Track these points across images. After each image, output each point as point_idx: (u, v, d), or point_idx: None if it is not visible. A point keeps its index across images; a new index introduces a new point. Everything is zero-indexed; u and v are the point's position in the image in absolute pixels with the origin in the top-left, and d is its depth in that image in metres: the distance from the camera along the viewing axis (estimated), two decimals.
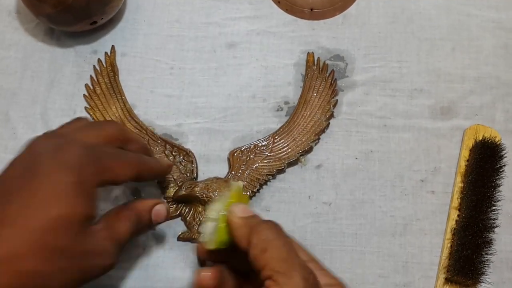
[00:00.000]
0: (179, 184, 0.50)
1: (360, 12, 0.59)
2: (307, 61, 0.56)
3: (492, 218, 0.47)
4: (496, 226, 0.47)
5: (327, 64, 0.56)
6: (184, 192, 0.49)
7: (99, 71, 0.56)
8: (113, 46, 0.57)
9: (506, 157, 0.49)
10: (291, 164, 0.52)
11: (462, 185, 0.50)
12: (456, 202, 0.50)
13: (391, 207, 0.51)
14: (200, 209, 0.50)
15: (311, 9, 0.59)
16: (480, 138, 0.50)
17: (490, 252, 0.46)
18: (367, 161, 0.52)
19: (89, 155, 0.37)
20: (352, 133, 0.54)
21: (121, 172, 0.39)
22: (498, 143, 0.50)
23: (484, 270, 0.46)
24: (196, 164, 0.52)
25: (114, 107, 0.54)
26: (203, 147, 0.53)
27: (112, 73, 0.56)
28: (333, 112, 0.54)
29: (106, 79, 0.55)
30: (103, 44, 0.58)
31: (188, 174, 0.51)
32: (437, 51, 0.57)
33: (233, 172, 0.51)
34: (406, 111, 0.54)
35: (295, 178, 0.52)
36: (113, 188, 0.51)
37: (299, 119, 0.53)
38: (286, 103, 0.55)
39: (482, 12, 0.58)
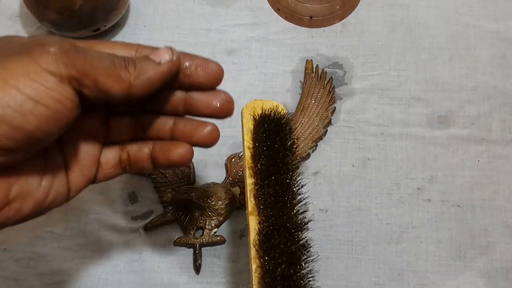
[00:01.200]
0: (176, 189, 0.51)
1: (359, 21, 0.59)
2: (306, 68, 0.56)
3: (300, 211, 0.36)
4: (309, 220, 0.36)
5: (326, 72, 0.56)
6: (181, 197, 0.49)
7: None
8: None
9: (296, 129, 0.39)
10: None
11: (252, 181, 0.37)
12: (251, 206, 0.36)
13: (387, 214, 0.51)
14: (197, 214, 0.50)
15: (311, 17, 0.59)
16: (259, 114, 0.39)
17: (308, 258, 0.35)
18: (364, 168, 0.53)
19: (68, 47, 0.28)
20: (350, 141, 0.54)
21: (107, 80, 0.29)
22: (282, 114, 0.38)
23: (308, 282, 0.35)
24: (194, 169, 0.52)
25: None
26: (201, 153, 0.53)
27: None
28: (331, 119, 0.54)
29: None
30: None
31: (185, 179, 0.52)
32: (435, 60, 0.57)
33: (230, 178, 0.51)
34: (404, 119, 0.54)
35: None
36: (110, 191, 0.51)
37: (297, 126, 0.54)
38: None
39: (480, 22, 0.59)
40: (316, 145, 0.53)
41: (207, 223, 0.50)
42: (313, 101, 0.55)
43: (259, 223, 0.35)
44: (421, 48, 0.58)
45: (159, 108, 0.36)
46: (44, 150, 0.32)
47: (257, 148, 0.37)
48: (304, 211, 0.36)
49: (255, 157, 0.37)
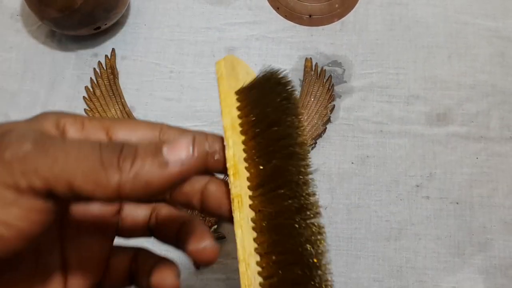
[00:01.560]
0: None
1: (358, 19, 0.59)
2: (305, 67, 0.57)
3: (311, 184, 0.28)
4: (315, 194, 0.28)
5: (325, 70, 0.56)
6: None
7: (99, 73, 0.57)
8: (113, 49, 0.58)
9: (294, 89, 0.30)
10: None
11: (245, 155, 0.28)
12: (237, 188, 0.27)
13: (386, 211, 0.51)
14: (195, 212, 0.50)
15: (310, 16, 0.59)
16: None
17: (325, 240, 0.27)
18: (363, 166, 0.53)
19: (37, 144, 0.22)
20: (349, 138, 0.54)
21: (83, 182, 0.22)
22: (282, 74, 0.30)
23: (327, 274, 0.26)
24: None
25: (113, 109, 0.55)
26: None
27: (112, 76, 0.56)
28: (330, 117, 0.54)
29: (106, 82, 0.56)
30: (103, 48, 0.58)
31: None
32: (434, 59, 0.57)
33: None
34: (403, 117, 0.55)
35: None
36: None
37: None
38: None
39: (479, 20, 0.59)
40: (316, 143, 0.54)
41: (207, 219, 0.50)
42: (312, 99, 0.55)
43: (253, 205, 0.27)
44: (420, 47, 0.58)
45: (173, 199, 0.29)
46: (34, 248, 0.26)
47: (250, 116, 0.29)
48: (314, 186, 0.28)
49: (246, 126, 0.29)
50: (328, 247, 0.50)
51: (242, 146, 0.28)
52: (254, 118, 0.28)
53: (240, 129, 0.29)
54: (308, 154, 0.28)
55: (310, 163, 0.28)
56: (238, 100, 0.30)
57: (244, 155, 0.28)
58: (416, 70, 0.57)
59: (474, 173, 0.52)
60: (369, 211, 0.51)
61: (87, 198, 0.22)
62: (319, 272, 0.25)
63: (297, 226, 0.26)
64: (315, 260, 0.25)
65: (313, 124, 0.54)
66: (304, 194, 0.27)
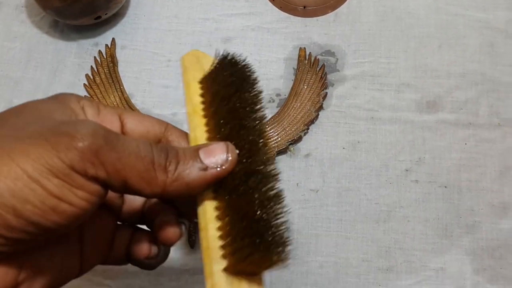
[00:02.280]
0: None
1: (351, 11, 0.61)
2: (299, 56, 0.58)
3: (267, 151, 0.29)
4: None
5: (318, 59, 0.58)
6: None
7: (100, 62, 0.59)
8: (113, 39, 0.60)
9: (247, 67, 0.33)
10: (280, 152, 0.54)
11: (207, 135, 0.30)
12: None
13: (376, 195, 0.52)
14: None
15: (304, 7, 0.61)
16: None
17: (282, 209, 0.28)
18: (354, 151, 0.54)
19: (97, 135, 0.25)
20: (341, 125, 0.55)
21: (136, 177, 0.25)
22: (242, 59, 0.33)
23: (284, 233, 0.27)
24: None
25: (112, 96, 0.57)
26: None
27: (111, 64, 0.58)
28: (322, 104, 0.56)
29: (106, 70, 0.58)
30: (104, 37, 0.60)
31: None
32: (425, 48, 0.59)
33: None
34: (393, 104, 0.56)
35: (284, 166, 0.54)
36: None
37: (290, 110, 0.55)
38: (278, 95, 0.57)
39: (469, 12, 0.60)
40: (308, 129, 0.55)
41: None
42: (306, 87, 0.57)
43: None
44: (411, 37, 0.59)
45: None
46: None
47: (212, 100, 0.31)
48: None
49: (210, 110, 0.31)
50: (319, 228, 0.51)
51: (205, 128, 0.30)
52: (210, 99, 0.31)
53: (202, 113, 0.31)
54: (261, 125, 0.30)
55: (262, 132, 0.30)
56: (201, 88, 0.32)
57: (206, 135, 0.30)
58: (407, 59, 0.58)
59: (462, 158, 0.54)
60: (359, 194, 0.52)
61: (135, 192, 0.26)
62: (272, 230, 0.26)
63: (249, 189, 0.27)
64: (264, 218, 0.26)
65: (306, 111, 0.55)
66: (257, 159, 0.28)
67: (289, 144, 0.54)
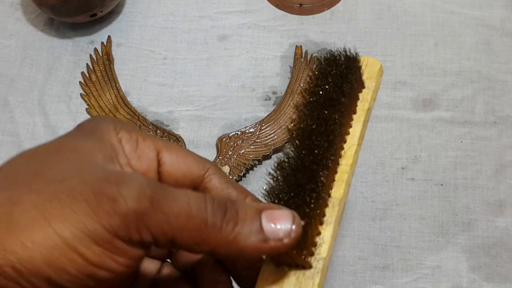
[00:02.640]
0: None
1: (347, 9, 0.61)
2: (295, 54, 0.58)
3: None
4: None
5: (315, 57, 0.58)
6: None
7: (95, 59, 0.58)
8: (109, 37, 0.59)
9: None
10: (277, 150, 0.54)
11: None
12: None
13: (372, 192, 0.52)
14: None
15: (300, 5, 0.61)
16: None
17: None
18: None
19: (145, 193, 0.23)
20: None
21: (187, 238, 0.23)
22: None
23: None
24: None
25: (108, 94, 0.57)
26: (193, 133, 0.55)
27: (107, 62, 0.58)
28: None
29: (102, 68, 0.58)
30: (100, 35, 0.60)
31: None
32: (421, 46, 0.59)
33: (220, 157, 0.53)
34: (389, 102, 0.56)
35: None
36: None
37: (286, 108, 0.55)
38: (274, 93, 0.57)
39: (465, 10, 0.60)
40: None
41: None
42: (302, 85, 0.57)
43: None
44: (407, 35, 0.59)
45: None
46: None
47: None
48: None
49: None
50: None
51: None
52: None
53: None
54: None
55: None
56: None
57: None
58: (403, 57, 0.58)
59: (458, 156, 0.54)
60: (355, 192, 0.52)
61: (182, 248, 0.24)
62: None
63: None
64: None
65: None
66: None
67: (286, 142, 0.54)
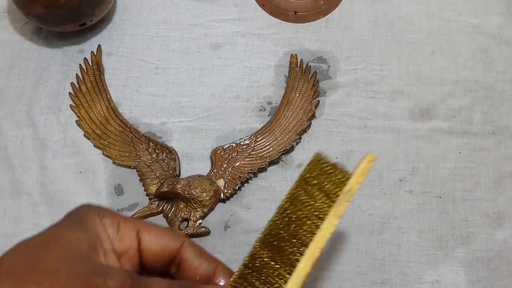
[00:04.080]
0: (161, 181, 0.51)
1: (343, 16, 0.60)
2: (290, 63, 0.57)
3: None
4: None
5: (310, 66, 0.57)
6: (166, 189, 0.50)
7: (85, 69, 0.57)
8: (99, 46, 0.58)
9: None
10: (272, 162, 0.53)
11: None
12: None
13: (369, 205, 0.51)
14: (181, 206, 0.50)
15: (295, 12, 0.60)
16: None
17: None
18: (347, 160, 0.53)
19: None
20: (333, 133, 0.54)
21: None
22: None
23: None
24: (179, 161, 0.53)
25: (99, 105, 0.55)
26: (187, 145, 0.54)
27: (97, 72, 0.56)
28: (314, 112, 0.55)
29: (92, 78, 0.56)
30: (90, 44, 0.59)
31: (170, 172, 0.52)
32: (417, 55, 0.58)
33: (215, 170, 0.52)
34: (386, 112, 0.55)
35: (277, 177, 0.53)
36: (95, 183, 0.52)
37: (281, 119, 0.54)
38: (269, 103, 0.56)
39: (462, 17, 0.60)
40: (300, 138, 0.54)
41: (191, 214, 0.50)
42: (297, 95, 0.55)
43: None
44: (404, 43, 0.58)
45: None
46: None
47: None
48: None
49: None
50: None
51: None
52: None
53: None
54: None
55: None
56: None
57: None
58: (400, 66, 0.57)
59: (457, 168, 0.53)
60: (352, 205, 0.51)
61: None
62: None
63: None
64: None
65: (298, 120, 0.54)
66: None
67: (281, 154, 0.53)
